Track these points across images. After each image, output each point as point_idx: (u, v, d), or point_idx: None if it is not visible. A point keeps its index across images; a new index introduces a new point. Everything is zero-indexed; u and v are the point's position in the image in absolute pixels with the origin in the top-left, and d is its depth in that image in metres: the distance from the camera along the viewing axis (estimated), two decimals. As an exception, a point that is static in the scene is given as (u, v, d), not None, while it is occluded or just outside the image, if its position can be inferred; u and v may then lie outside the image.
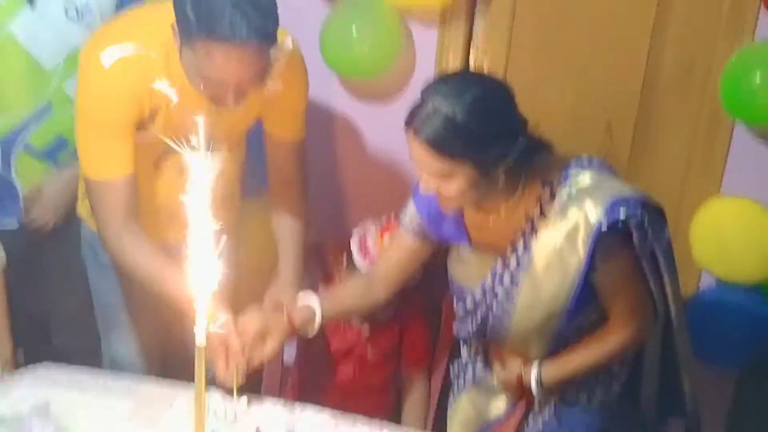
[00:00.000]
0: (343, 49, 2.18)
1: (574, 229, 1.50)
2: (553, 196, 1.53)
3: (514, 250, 1.58)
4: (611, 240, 1.48)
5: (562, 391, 1.69)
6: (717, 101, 2.05)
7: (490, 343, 1.75)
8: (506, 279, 1.59)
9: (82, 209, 1.97)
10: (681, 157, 2.25)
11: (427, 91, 1.46)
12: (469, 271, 1.69)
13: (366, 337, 2.07)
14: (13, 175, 2.05)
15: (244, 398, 1.47)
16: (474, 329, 1.71)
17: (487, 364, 1.79)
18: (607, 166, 1.60)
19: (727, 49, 2.05)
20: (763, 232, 2.04)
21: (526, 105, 1.52)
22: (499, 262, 1.60)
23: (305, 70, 1.83)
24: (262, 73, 1.56)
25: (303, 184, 1.99)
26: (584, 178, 1.52)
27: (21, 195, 2.08)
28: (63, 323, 2.37)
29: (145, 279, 1.74)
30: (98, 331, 2.17)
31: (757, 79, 1.93)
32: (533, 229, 1.55)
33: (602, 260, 1.50)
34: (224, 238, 1.26)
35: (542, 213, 1.54)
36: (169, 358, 2.12)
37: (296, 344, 2.17)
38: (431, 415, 2.13)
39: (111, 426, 1.55)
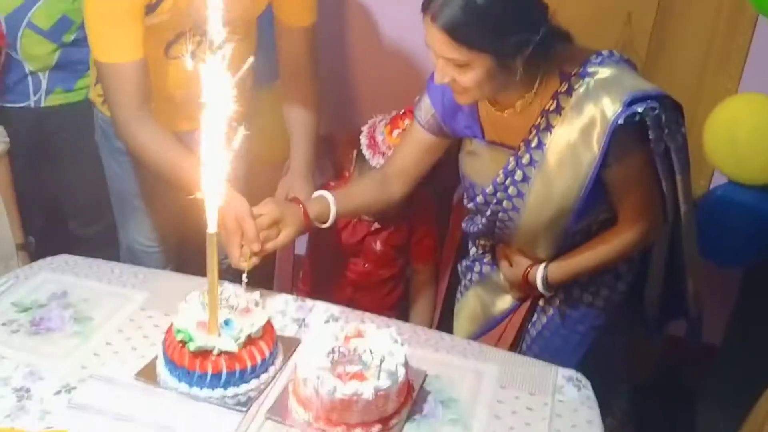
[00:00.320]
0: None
1: (590, 125, 1.48)
2: (570, 90, 1.50)
3: (528, 146, 1.56)
4: (627, 136, 1.46)
5: (567, 290, 1.72)
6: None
7: (498, 241, 1.77)
8: (518, 176, 1.59)
9: (95, 95, 1.97)
10: (700, 53, 2.20)
11: None
12: (481, 166, 1.68)
13: (376, 231, 2.09)
14: (20, 55, 2.05)
15: (257, 292, 1.50)
16: (483, 226, 1.72)
17: (495, 262, 1.82)
18: (627, 60, 1.55)
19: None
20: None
21: (546, -8, 1.47)
22: (512, 158, 1.59)
23: None
24: None
25: (314, 73, 1.96)
26: (603, 73, 1.48)
27: (28, 73, 2.08)
28: (78, 210, 2.42)
29: (157, 165, 1.74)
30: (114, 218, 2.21)
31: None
32: (548, 125, 1.53)
33: (616, 156, 1.49)
34: (236, 126, 1.26)
35: (558, 108, 1.51)
36: (186, 248, 2.16)
37: (308, 236, 2.20)
38: (438, 310, 2.18)
39: (127, 314, 1.60)
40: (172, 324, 1.41)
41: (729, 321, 2.42)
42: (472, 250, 1.90)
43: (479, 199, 1.69)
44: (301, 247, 2.24)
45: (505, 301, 1.82)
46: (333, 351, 1.32)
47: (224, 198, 1.31)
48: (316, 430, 1.32)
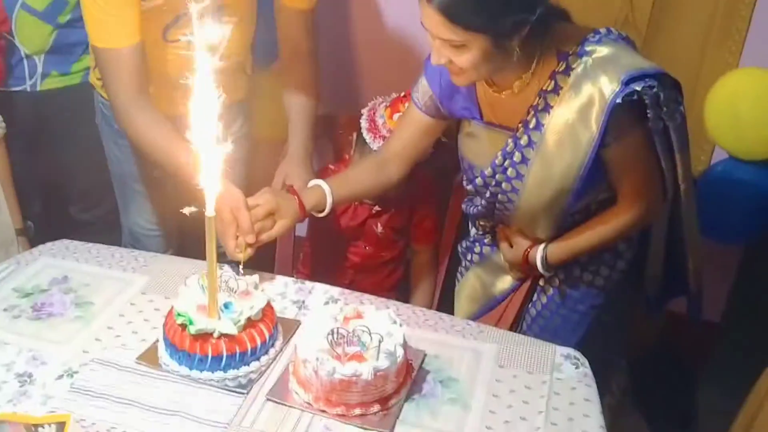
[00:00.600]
0: None
1: (588, 105, 1.47)
2: (568, 70, 1.49)
3: (526, 127, 1.56)
4: (625, 115, 1.45)
5: (567, 270, 1.72)
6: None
7: (497, 222, 1.77)
8: (516, 157, 1.58)
9: (95, 78, 1.97)
10: (701, 27, 2.18)
11: None
12: (479, 148, 1.68)
13: (377, 214, 2.08)
14: (16, 38, 2.05)
15: (256, 275, 1.51)
16: (482, 208, 1.72)
17: (495, 242, 1.82)
18: (625, 37, 1.54)
19: None
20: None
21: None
22: (510, 140, 1.59)
23: None
24: None
25: (313, 55, 1.96)
26: (601, 51, 1.47)
27: (24, 57, 2.08)
28: (78, 195, 2.42)
29: (154, 154, 1.75)
30: (114, 202, 2.21)
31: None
32: (546, 106, 1.52)
33: (615, 136, 1.48)
34: (236, 109, 1.26)
35: (556, 88, 1.50)
36: (187, 232, 2.17)
37: (308, 219, 2.20)
38: (438, 291, 2.18)
39: (128, 298, 1.61)
40: (172, 307, 1.42)
41: (728, 298, 2.42)
42: (472, 231, 1.90)
43: (478, 181, 1.68)
44: (301, 229, 2.24)
45: (505, 282, 1.83)
46: (332, 332, 1.33)
47: (220, 190, 1.31)
48: (316, 410, 1.34)
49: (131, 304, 1.59)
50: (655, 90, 1.42)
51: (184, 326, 1.38)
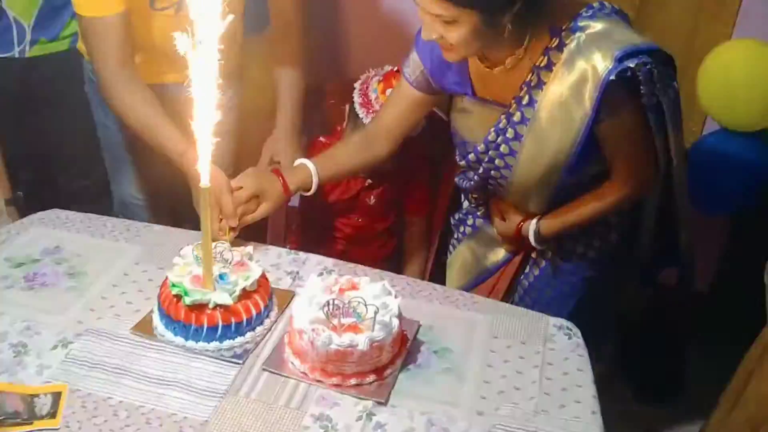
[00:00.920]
0: None
1: (581, 81, 1.46)
2: (561, 45, 1.48)
3: (519, 104, 1.55)
4: (618, 91, 1.45)
5: (559, 242, 1.73)
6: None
7: (490, 196, 1.77)
8: (509, 134, 1.58)
9: (82, 44, 1.94)
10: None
11: None
12: (472, 123, 1.67)
13: (369, 187, 2.08)
14: (4, 3, 2.01)
15: (251, 246, 1.51)
16: (475, 183, 1.72)
17: (487, 215, 1.82)
18: (618, 11, 1.53)
19: None
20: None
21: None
22: (503, 117, 1.58)
23: None
24: None
25: (303, 27, 1.94)
26: (594, 27, 1.46)
27: (12, 22, 2.04)
28: (67, 164, 2.40)
29: (136, 126, 1.74)
30: (103, 172, 2.19)
31: None
32: (539, 82, 1.51)
33: (608, 112, 1.48)
34: (226, 79, 1.25)
35: (549, 64, 1.49)
36: (179, 201, 2.15)
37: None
38: (431, 261, 2.19)
39: (121, 268, 1.60)
40: (167, 278, 1.42)
41: (717, 268, 2.45)
42: (465, 204, 1.90)
43: (471, 157, 1.68)
44: (294, 200, 2.24)
45: (497, 254, 1.83)
46: (328, 304, 1.33)
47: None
48: (312, 380, 1.34)
49: (125, 275, 1.58)
50: (648, 66, 1.42)
51: (179, 297, 1.38)
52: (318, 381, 1.34)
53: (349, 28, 2.46)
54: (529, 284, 1.81)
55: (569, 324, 1.53)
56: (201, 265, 1.39)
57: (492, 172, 1.65)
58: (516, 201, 1.70)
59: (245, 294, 1.41)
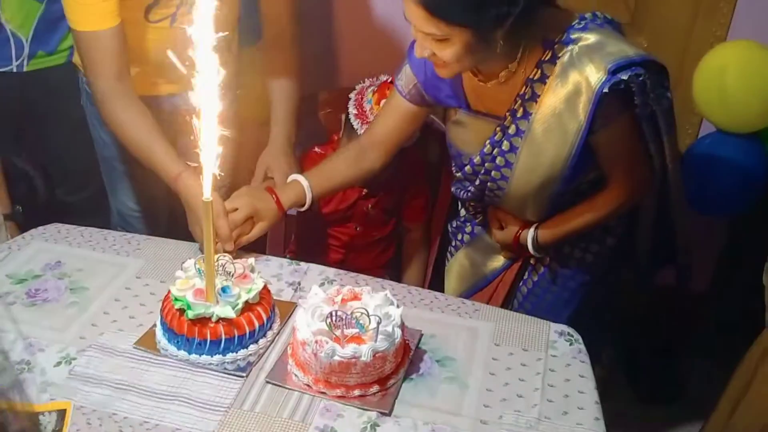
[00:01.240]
0: None
1: (575, 93, 1.47)
2: (554, 58, 1.48)
3: (514, 116, 1.55)
4: (612, 102, 1.45)
5: (557, 247, 1.74)
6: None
7: (488, 205, 1.77)
8: (505, 146, 1.58)
9: (78, 58, 1.94)
10: (689, 1, 2.18)
11: None
12: (467, 136, 1.67)
13: (367, 196, 2.08)
14: (2, 17, 2.01)
15: (252, 258, 1.51)
16: (472, 194, 1.72)
17: (485, 222, 1.83)
18: (610, 21, 1.53)
19: None
20: (766, 76, 2.00)
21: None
22: (498, 129, 1.58)
23: None
24: None
25: (296, 37, 1.94)
26: (587, 39, 1.46)
27: (10, 36, 2.04)
28: (65, 177, 2.40)
29: (130, 145, 1.74)
30: (101, 184, 2.19)
31: None
32: (533, 95, 1.51)
33: (602, 123, 1.48)
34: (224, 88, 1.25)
35: (543, 77, 1.49)
36: (177, 212, 2.16)
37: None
38: (430, 267, 2.19)
39: (123, 283, 1.61)
40: (169, 291, 1.42)
41: (716, 269, 2.45)
42: (462, 212, 1.90)
43: (467, 168, 1.68)
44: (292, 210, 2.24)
45: (496, 261, 1.84)
46: (331, 315, 1.33)
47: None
48: (315, 392, 1.35)
49: (126, 289, 1.59)
50: (642, 78, 1.42)
51: (182, 311, 1.39)
52: (322, 393, 1.35)
53: (345, 36, 2.46)
54: (528, 290, 1.81)
55: (570, 330, 1.54)
56: (203, 279, 1.39)
57: (489, 183, 1.66)
58: (513, 210, 1.71)
59: (248, 306, 1.42)
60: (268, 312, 1.45)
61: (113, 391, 1.33)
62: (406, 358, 1.42)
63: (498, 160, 1.60)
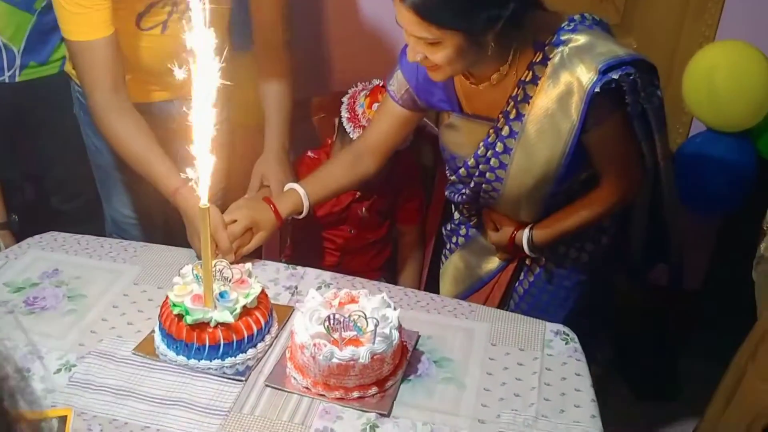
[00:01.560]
0: None
1: (567, 93, 1.48)
2: (545, 60, 1.49)
3: (506, 118, 1.56)
4: (604, 102, 1.47)
5: (552, 247, 1.75)
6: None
7: (482, 207, 1.79)
8: (498, 147, 1.60)
9: (70, 67, 1.94)
10: (678, 1, 2.20)
11: None
12: (461, 139, 1.68)
13: (360, 199, 2.09)
14: None
15: (250, 263, 1.52)
16: (467, 196, 1.74)
17: (480, 225, 1.84)
18: (599, 22, 1.55)
19: None
20: (754, 75, 2.02)
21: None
22: (491, 131, 1.60)
23: None
24: None
25: (286, 42, 1.94)
26: (577, 40, 1.47)
27: (2, 47, 2.05)
28: (60, 185, 2.40)
29: (128, 157, 1.74)
30: (95, 192, 2.20)
31: None
32: (525, 96, 1.53)
33: (594, 122, 1.50)
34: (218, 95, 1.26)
35: (534, 78, 1.51)
36: (171, 218, 2.16)
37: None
38: (426, 269, 2.20)
39: (120, 289, 1.61)
40: (167, 297, 1.43)
41: (709, 266, 2.47)
42: (456, 215, 1.92)
43: (462, 171, 1.69)
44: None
45: (491, 263, 1.85)
46: (329, 318, 1.34)
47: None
48: (314, 395, 1.36)
49: (124, 295, 1.59)
50: (632, 77, 1.44)
51: (180, 316, 1.40)
52: (321, 395, 1.36)
53: (337, 41, 2.47)
54: (524, 290, 1.83)
55: (566, 329, 1.55)
56: (201, 284, 1.40)
57: (483, 185, 1.67)
58: (508, 211, 1.72)
59: (246, 311, 1.43)
60: (266, 316, 1.46)
61: (113, 397, 1.34)
62: (403, 359, 1.43)
63: (492, 161, 1.61)
